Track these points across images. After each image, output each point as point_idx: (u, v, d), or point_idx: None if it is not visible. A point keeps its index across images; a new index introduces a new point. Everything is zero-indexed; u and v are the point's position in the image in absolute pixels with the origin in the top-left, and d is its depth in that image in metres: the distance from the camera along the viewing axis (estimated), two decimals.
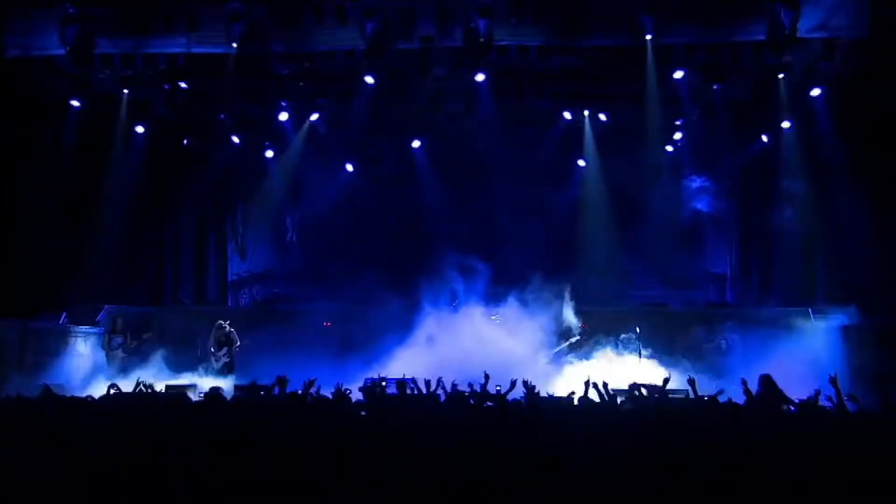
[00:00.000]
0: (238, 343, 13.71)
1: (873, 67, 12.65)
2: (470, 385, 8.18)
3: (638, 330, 13.08)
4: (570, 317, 13.51)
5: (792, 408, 8.00)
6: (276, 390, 7.98)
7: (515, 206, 16.66)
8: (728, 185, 16.45)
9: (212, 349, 13.66)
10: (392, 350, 13.58)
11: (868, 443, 5.30)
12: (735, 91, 14.52)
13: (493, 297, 14.06)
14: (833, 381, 7.22)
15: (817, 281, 14.59)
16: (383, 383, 9.63)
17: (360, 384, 11.29)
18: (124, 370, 13.00)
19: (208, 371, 13.50)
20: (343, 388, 7.72)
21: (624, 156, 15.92)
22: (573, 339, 13.32)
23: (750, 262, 16.44)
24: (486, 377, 8.01)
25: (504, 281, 14.11)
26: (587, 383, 8.31)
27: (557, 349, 13.19)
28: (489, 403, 7.10)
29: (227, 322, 14.00)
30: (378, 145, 17.32)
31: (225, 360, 13.50)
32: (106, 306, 14.62)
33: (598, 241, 16.30)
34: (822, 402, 6.91)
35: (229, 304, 17.43)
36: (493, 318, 13.98)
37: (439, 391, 8.21)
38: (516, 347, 13.11)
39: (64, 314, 13.92)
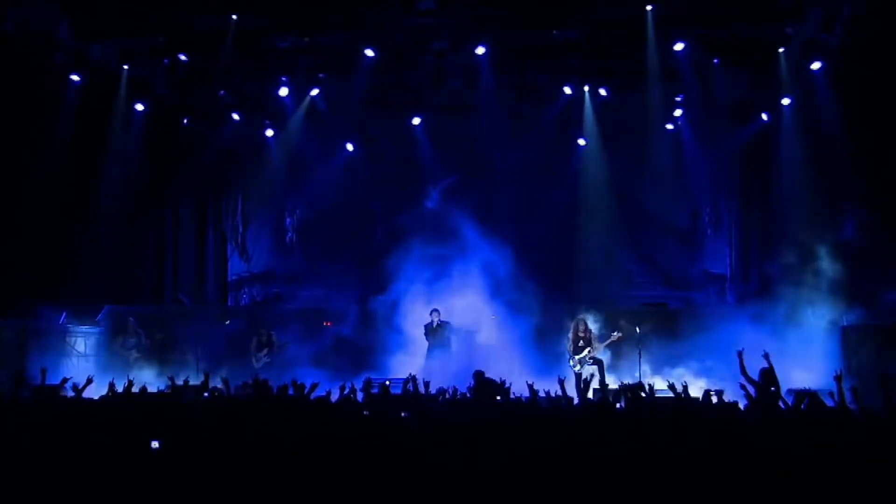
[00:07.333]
0: (280, 345, 13.61)
1: (874, 39, 12.49)
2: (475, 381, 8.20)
3: (637, 330, 13.03)
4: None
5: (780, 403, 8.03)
6: (275, 390, 8.00)
7: (515, 201, 16.56)
8: (728, 174, 16.35)
9: (253, 350, 13.62)
10: (392, 350, 13.59)
11: (870, 443, 5.30)
12: (735, 66, 14.41)
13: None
14: (838, 378, 7.24)
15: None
16: (387, 383, 9.60)
17: (361, 384, 11.28)
18: (140, 369, 12.88)
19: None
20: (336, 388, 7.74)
21: (624, 137, 15.80)
22: (610, 341, 12.89)
23: (750, 262, 16.35)
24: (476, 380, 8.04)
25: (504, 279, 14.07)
26: (586, 382, 8.36)
27: (581, 355, 12.88)
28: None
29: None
30: (378, 122, 17.00)
31: (266, 360, 13.47)
32: (106, 306, 14.61)
33: (598, 240, 16.23)
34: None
35: (229, 303, 17.39)
36: (493, 317, 13.97)
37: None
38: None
39: (64, 314, 13.89)
